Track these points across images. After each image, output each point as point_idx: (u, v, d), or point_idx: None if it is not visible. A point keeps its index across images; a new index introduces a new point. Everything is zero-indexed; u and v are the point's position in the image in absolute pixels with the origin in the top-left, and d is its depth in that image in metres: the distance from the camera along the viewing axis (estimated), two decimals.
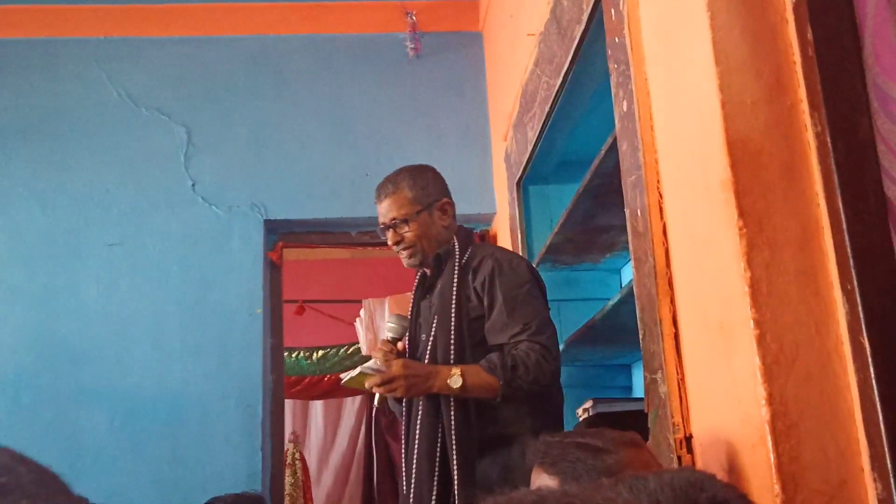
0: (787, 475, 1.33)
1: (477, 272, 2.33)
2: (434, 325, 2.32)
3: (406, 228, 2.40)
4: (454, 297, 2.30)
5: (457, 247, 2.40)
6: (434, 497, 2.18)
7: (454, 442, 2.18)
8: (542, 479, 1.39)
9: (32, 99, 3.92)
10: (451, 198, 2.50)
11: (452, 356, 2.25)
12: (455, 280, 2.32)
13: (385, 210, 2.43)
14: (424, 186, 2.45)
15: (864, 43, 1.33)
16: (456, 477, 2.15)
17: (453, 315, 2.28)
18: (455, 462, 2.17)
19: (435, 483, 2.19)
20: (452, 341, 2.26)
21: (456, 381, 2.14)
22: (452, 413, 2.20)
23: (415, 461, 2.25)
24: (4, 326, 3.64)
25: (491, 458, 2.20)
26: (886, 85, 1.26)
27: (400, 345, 2.34)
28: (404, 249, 2.42)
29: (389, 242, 2.45)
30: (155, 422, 3.53)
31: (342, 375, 2.27)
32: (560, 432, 1.94)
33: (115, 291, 3.70)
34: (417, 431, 2.27)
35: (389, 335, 2.33)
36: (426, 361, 2.30)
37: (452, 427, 2.19)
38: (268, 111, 3.98)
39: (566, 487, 0.67)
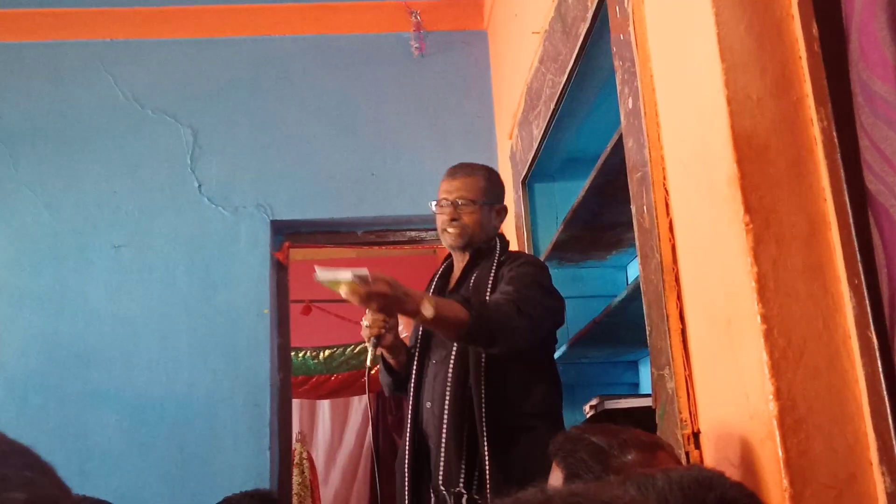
0: (795, 470, 1.33)
1: (509, 264, 2.43)
2: None
3: (469, 210, 2.50)
4: (489, 286, 2.38)
5: (498, 246, 2.51)
6: (463, 478, 2.22)
7: (484, 421, 2.23)
8: (555, 473, 1.40)
9: (39, 102, 3.94)
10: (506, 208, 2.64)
11: None
12: (492, 274, 2.41)
13: (454, 187, 2.53)
14: (496, 186, 2.59)
15: (850, 38, 1.33)
16: (487, 460, 2.20)
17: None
18: (486, 445, 2.21)
19: (463, 462, 2.23)
20: None
21: (428, 310, 2.08)
22: (483, 399, 2.25)
23: (443, 443, 2.29)
24: (13, 328, 3.65)
25: (504, 448, 2.24)
26: (871, 80, 1.26)
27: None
28: (455, 228, 2.50)
29: (445, 217, 2.52)
30: (163, 422, 3.55)
31: (318, 269, 2.05)
32: (584, 424, 1.96)
33: (123, 293, 3.71)
34: (446, 413, 2.30)
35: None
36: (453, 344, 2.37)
37: (483, 408, 2.24)
38: (273, 112, 3.99)
39: (572, 486, 0.67)
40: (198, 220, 3.81)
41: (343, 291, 2.02)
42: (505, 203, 2.61)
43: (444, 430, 2.30)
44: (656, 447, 1.42)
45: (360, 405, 6.43)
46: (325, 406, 6.48)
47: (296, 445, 5.71)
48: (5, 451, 0.63)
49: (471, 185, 2.52)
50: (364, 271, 2.02)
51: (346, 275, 2.01)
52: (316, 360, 6.04)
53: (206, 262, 3.76)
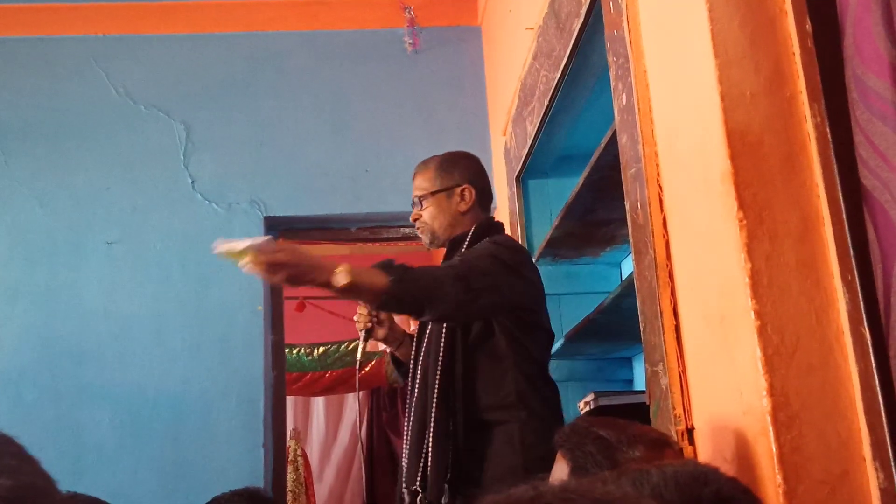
0: (788, 465, 1.33)
1: None
2: None
3: (424, 206, 2.45)
4: None
5: (470, 235, 2.39)
6: (420, 474, 2.19)
7: (431, 425, 2.18)
8: (560, 465, 1.39)
9: (31, 98, 3.92)
10: (478, 185, 2.49)
11: (443, 338, 2.26)
12: None
13: (413, 187, 2.50)
14: (450, 170, 2.48)
15: (844, 33, 1.33)
16: (430, 460, 2.16)
17: None
18: (430, 446, 2.17)
19: (422, 460, 2.20)
20: (444, 327, 2.27)
21: (341, 278, 1.92)
22: (435, 396, 2.20)
23: (406, 444, 2.28)
24: (6, 325, 3.64)
25: (470, 445, 2.20)
26: (866, 76, 1.26)
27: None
28: (419, 227, 2.48)
29: (411, 219, 2.51)
30: (157, 419, 3.54)
31: (218, 245, 1.94)
32: (589, 417, 1.93)
33: (116, 289, 3.70)
34: (412, 412, 2.29)
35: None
36: (426, 339, 2.33)
37: (434, 403, 2.19)
38: (267, 108, 3.98)
39: (565, 482, 0.67)
40: (191, 217, 3.80)
41: (244, 265, 1.89)
42: (468, 183, 2.46)
43: (409, 429, 2.29)
44: (664, 444, 1.41)
45: (354, 402, 6.43)
46: (319, 403, 6.48)
47: (290, 442, 5.71)
48: None
49: (422, 180, 2.48)
50: (264, 239, 1.91)
51: (243, 244, 1.88)
52: (310, 357, 6.03)
53: (199, 258, 3.75)
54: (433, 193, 2.44)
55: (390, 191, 3.86)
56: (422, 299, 2.07)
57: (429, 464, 2.17)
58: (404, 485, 2.25)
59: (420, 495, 2.16)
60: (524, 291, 2.32)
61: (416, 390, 2.31)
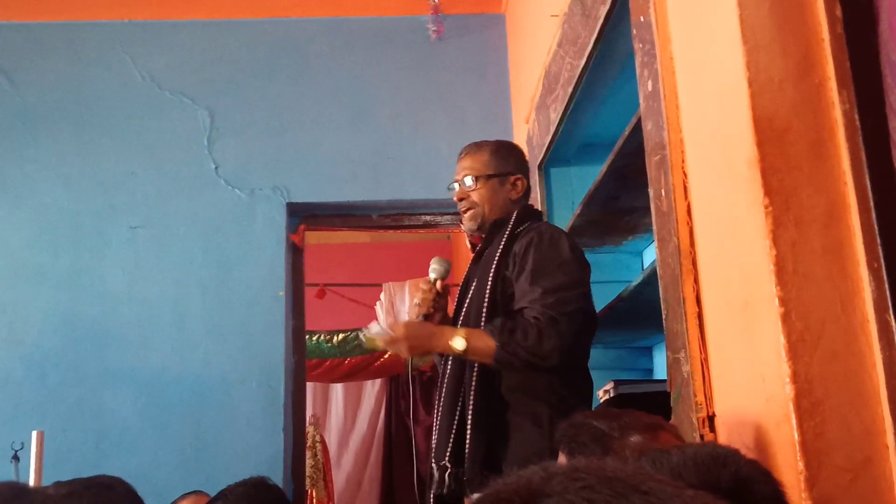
0: (811, 453, 1.33)
1: (521, 241, 2.33)
2: (473, 288, 2.36)
3: (474, 188, 2.43)
4: (495, 262, 2.31)
5: (512, 219, 2.39)
6: (449, 450, 2.21)
7: (472, 395, 2.21)
8: (560, 461, 1.40)
9: (57, 83, 3.96)
10: (527, 179, 2.51)
11: (484, 318, 2.26)
12: (500, 248, 2.33)
13: (461, 167, 2.48)
14: (505, 157, 2.48)
15: (879, 19, 1.32)
16: (469, 426, 2.19)
17: (490, 280, 2.29)
18: (470, 413, 2.20)
19: (452, 437, 2.22)
20: (486, 304, 2.27)
21: (458, 343, 2.16)
22: (475, 371, 2.23)
23: (438, 417, 2.31)
24: (31, 308, 3.68)
25: (501, 424, 2.22)
26: None
27: (439, 284, 2.41)
28: (466, 210, 2.44)
29: (455, 199, 2.48)
30: (178, 402, 3.57)
31: (362, 336, 2.43)
32: (589, 411, 1.95)
33: (140, 274, 3.73)
34: (444, 389, 2.32)
35: (432, 276, 2.41)
36: (461, 320, 2.36)
37: (473, 383, 2.23)
38: (290, 94, 3.99)
39: (574, 463, 0.67)
40: (214, 202, 3.83)
41: (380, 344, 2.32)
42: (521, 174, 2.48)
43: (440, 407, 2.31)
44: (658, 428, 1.42)
45: (372, 389, 6.45)
46: (338, 389, 6.50)
47: (309, 428, 5.73)
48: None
49: (475, 162, 2.45)
50: (374, 324, 2.30)
51: (371, 331, 2.32)
52: (330, 344, 6.05)
53: (222, 243, 3.78)
54: (489, 177, 2.43)
55: (412, 178, 3.87)
56: (531, 362, 2.15)
57: (466, 441, 2.19)
58: (433, 460, 2.27)
59: (449, 470, 2.18)
60: (585, 278, 2.31)
61: (450, 368, 2.31)
